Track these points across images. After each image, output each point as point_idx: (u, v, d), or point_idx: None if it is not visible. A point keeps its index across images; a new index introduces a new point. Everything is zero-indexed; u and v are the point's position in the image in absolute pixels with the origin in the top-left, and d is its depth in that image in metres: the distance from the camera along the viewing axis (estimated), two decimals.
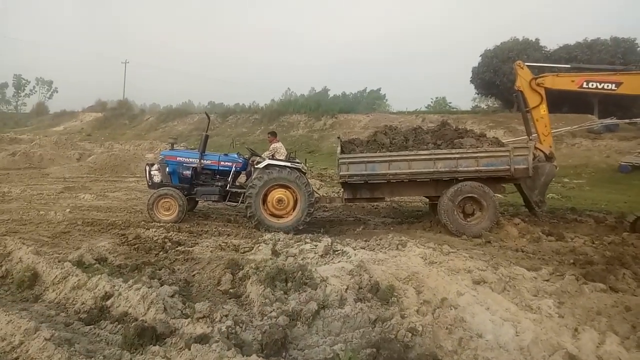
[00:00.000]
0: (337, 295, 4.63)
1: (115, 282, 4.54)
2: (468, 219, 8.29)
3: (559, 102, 27.89)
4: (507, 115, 32.82)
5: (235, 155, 9.26)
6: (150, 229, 7.63)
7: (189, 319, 3.90)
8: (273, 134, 9.79)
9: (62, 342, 3.31)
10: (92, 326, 3.89)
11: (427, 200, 11.33)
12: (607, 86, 8.23)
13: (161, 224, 8.12)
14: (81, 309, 4.25)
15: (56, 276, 4.76)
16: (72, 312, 4.23)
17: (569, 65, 9.16)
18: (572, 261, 6.66)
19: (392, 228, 9.06)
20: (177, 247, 6.82)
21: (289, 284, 4.94)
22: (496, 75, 34.17)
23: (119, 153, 21.65)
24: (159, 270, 5.49)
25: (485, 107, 44.31)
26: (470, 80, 38.10)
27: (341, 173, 8.29)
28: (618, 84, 8.17)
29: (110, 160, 19.22)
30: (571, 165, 22.81)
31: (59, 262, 5.14)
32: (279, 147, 9.32)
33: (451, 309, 4.35)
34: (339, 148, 8.65)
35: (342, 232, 8.78)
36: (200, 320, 3.87)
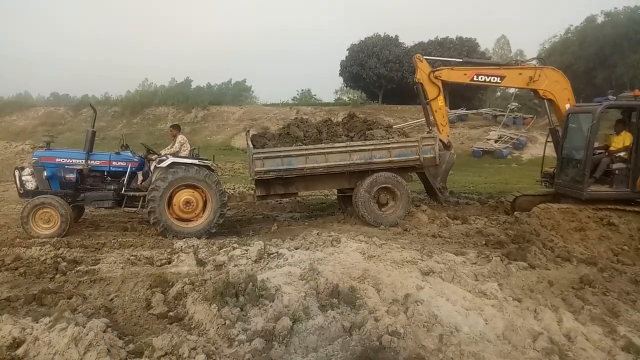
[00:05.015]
0: (299, 305, 4.24)
1: (24, 324, 3.53)
2: (383, 209, 8.44)
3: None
4: (374, 107, 34.83)
5: (130, 154, 8.06)
6: (33, 247, 6.23)
7: None
8: (176, 127, 8.60)
9: None
10: None
11: (327, 192, 11.42)
12: (494, 79, 9.04)
13: (43, 240, 6.69)
14: None
15: None
16: None
17: (460, 60, 9.85)
18: (484, 242, 7.18)
19: (306, 223, 8.82)
20: (75, 266, 5.69)
21: (241, 299, 4.39)
22: (362, 68, 35.96)
23: None
24: (69, 299, 4.48)
25: (347, 99, 46.33)
26: (339, 74, 39.55)
27: (256, 169, 7.77)
28: (502, 78, 9.04)
29: None
30: None
31: None
32: (185, 140, 8.28)
33: (418, 305, 4.27)
34: (249, 142, 8.10)
35: (257, 232, 8.28)
36: (163, 358, 3.18)
